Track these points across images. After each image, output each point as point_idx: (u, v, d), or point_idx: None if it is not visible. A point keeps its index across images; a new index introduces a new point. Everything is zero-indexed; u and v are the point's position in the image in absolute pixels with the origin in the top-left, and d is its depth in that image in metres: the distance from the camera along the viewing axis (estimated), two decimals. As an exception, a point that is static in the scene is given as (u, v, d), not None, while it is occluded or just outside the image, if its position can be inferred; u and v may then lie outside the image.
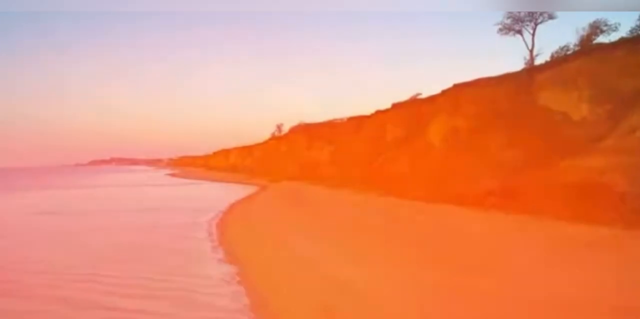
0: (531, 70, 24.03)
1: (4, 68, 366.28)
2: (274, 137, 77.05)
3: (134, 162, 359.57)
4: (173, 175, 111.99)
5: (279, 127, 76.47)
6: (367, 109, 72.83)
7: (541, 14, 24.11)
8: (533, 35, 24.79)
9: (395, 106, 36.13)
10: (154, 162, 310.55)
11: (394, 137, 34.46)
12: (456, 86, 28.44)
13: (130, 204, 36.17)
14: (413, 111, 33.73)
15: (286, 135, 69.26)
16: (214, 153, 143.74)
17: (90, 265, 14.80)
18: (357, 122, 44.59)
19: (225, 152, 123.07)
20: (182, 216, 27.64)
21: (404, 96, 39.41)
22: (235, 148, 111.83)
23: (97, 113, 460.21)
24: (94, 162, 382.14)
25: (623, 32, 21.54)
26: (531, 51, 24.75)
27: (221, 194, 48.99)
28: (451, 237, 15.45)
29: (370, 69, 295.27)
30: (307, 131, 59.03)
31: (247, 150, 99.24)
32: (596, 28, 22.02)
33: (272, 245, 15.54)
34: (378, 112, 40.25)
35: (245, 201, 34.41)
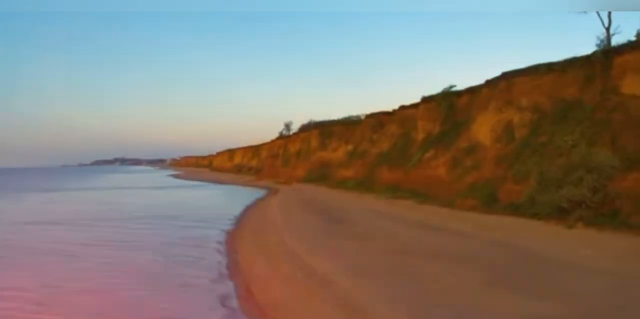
0: (608, 52, 19.68)
1: (4, 67, 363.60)
2: (282, 137, 72.79)
3: (136, 162, 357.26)
4: (176, 176, 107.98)
5: (287, 125, 72.21)
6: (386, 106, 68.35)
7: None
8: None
9: (426, 101, 31.77)
10: (157, 163, 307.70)
11: (427, 136, 30.14)
12: (506, 75, 24.09)
13: (125, 212, 31.98)
14: (449, 105, 29.40)
15: (296, 134, 64.97)
16: (218, 153, 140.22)
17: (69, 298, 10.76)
18: (378, 119, 40.23)
19: (230, 153, 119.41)
20: (183, 228, 23.43)
21: (432, 90, 35.03)
22: (241, 148, 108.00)
23: (99, 113, 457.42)
24: (96, 163, 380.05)
25: None
26: (607, 29, 20.41)
27: (228, 198, 44.83)
28: (553, 268, 11.14)
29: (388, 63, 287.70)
30: (319, 130, 54.75)
31: (252, 150, 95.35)
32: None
33: (304, 281, 11.26)
34: (403, 108, 35.90)
35: (257, 208, 30.14)
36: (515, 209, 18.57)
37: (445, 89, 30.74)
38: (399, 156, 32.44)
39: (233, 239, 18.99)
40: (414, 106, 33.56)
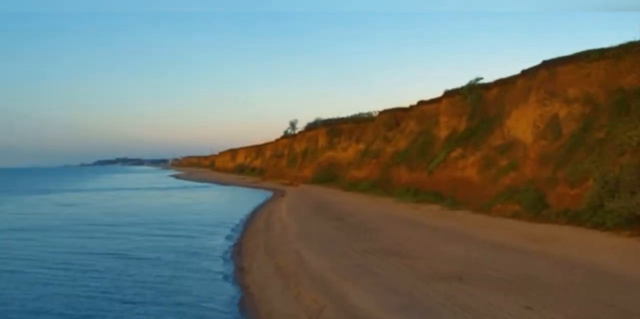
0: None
1: (6, 66, 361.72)
2: (287, 136, 69.99)
3: (138, 162, 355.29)
4: (177, 177, 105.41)
5: (292, 124, 69.35)
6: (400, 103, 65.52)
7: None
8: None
9: (449, 94, 28.95)
10: (159, 163, 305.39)
11: (452, 133, 27.32)
12: (547, 63, 21.27)
13: (121, 216, 29.28)
14: (476, 99, 26.60)
15: (302, 133, 62.18)
16: (220, 153, 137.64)
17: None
18: (393, 116, 37.44)
19: (232, 153, 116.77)
20: (182, 236, 20.72)
21: (455, 83, 31.99)
22: (243, 148, 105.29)
23: (101, 113, 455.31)
24: (98, 163, 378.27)
25: None
26: (675, 8, 17.63)
27: (231, 201, 42.17)
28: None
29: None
30: (327, 128, 51.92)
31: (256, 150, 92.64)
32: None
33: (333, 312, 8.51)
34: (422, 103, 33.07)
35: (264, 213, 27.40)
36: (572, 218, 15.75)
37: (471, 81, 27.95)
38: (418, 156, 29.64)
39: (240, 252, 16.25)
40: (435, 101, 30.75)
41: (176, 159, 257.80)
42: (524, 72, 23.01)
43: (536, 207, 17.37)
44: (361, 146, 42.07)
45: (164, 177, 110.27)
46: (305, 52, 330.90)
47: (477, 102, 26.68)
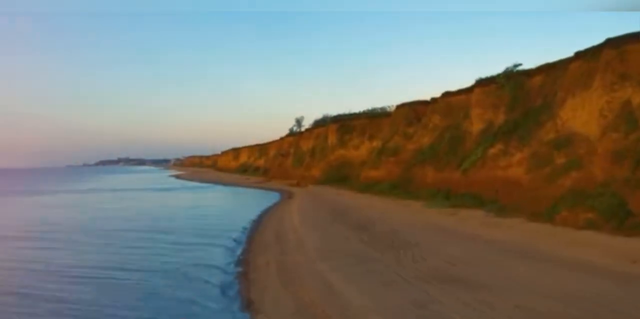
0: None
1: (8, 67, 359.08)
2: (293, 134, 66.51)
3: (140, 162, 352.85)
4: (178, 177, 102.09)
5: (298, 121, 65.86)
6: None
7: None
8: None
9: (483, 84, 25.44)
10: (161, 163, 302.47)
11: (487, 127, 23.83)
12: (612, 42, 17.78)
13: (114, 221, 25.88)
14: (516, 88, 23.12)
15: (309, 130, 58.67)
16: (223, 153, 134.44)
17: None
18: (413, 110, 33.99)
19: (235, 152, 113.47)
20: (177, 247, 17.31)
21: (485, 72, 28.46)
22: (247, 147, 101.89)
23: (103, 113, 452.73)
24: (101, 163, 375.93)
25: None
26: None
27: (234, 203, 38.79)
28: None
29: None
30: (337, 125, 48.39)
31: (259, 149, 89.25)
32: None
33: None
34: (448, 94, 29.53)
35: (273, 218, 23.94)
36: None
37: (508, 68, 24.47)
38: (447, 153, 26.14)
39: (247, 274, 12.78)
40: (465, 91, 27.25)
41: (178, 159, 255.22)
42: (580, 54, 19.52)
43: (618, 215, 13.87)
44: (375, 144, 38.62)
45: (165, 177, 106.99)
46: (308, 50, 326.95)
47: (517, 91, 23.20)
